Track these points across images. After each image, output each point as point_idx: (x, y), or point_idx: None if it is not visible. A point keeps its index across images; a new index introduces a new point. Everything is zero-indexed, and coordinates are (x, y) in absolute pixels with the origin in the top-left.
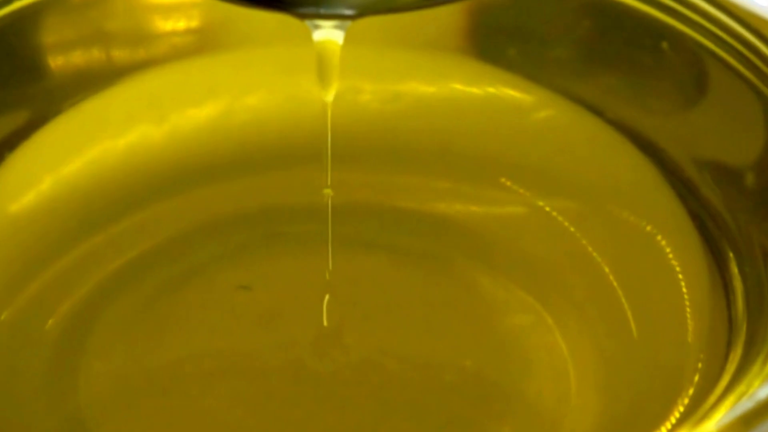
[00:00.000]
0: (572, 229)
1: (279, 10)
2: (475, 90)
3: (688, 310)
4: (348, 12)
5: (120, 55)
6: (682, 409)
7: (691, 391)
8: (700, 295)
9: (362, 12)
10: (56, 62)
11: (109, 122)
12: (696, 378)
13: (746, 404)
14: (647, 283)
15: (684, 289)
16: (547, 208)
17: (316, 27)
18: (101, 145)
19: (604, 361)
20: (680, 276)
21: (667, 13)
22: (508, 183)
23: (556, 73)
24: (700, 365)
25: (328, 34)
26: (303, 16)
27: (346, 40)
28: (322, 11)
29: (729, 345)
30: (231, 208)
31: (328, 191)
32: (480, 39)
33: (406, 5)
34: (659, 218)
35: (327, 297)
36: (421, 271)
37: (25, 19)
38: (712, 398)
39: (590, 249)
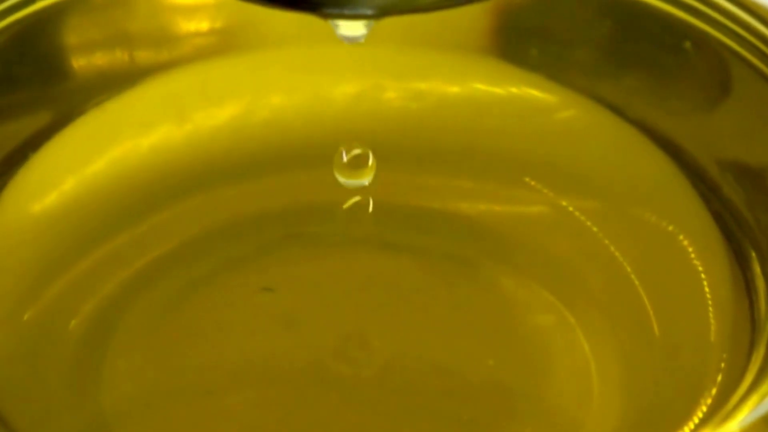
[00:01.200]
0: (595, 228)
1: (301, 10)
2: (497, 90)
3: (710, 309)
4: (370, 12)
5: (142, 55)
6: (704, 409)
7: (713, 391)
8: (723, 294)
9: (385, 12)
10: (79, 63)
11: (132, 122)
12: (719, 378)
13: None
14: (669, 283)
15: (706, 289)
16: (570, 208)
17: (339, 28)
18: (124, 145)
19: (626, 360)
20: (702, 276)
21: (689, 13)
22: (531, 183)
23: (579, 74)
24: (722, 365)
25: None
26: (326, 16)
27: (370, 39)
28: (346, 11)
29: (752, 344)
30: (253, 208)
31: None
32: (503, 39)
33: (429, 5)
34: (681, 218)
35: (349, 298)
36: (444, 270)
37: (47, 19)
38: (734, 398)
39: (612, 249)
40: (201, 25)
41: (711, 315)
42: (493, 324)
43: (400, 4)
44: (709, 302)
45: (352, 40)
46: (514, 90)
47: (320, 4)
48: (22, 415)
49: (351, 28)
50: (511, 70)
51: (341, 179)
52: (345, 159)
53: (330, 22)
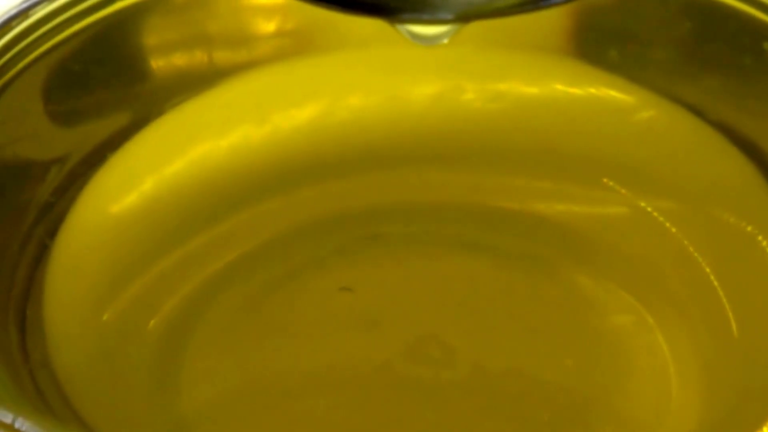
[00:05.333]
0: (674, 229)
1: (379, 16)
2: (576, 91)
3: None
4: (449, 16)
5: (221, 56)
6: None
7: None
8: None
9: (463, 17)
10: (158, 63)
11: (211, 123)
12: None
13: None
14: (748, 284)
15: None
16: (649, 209)
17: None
18: (203, 145)
19: (705, 361)
20: None
21: None
22: (610, 183)
23: (658, 74)
24: None
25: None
26: (404, 22)
27: (450, 39)
28: (424, 16)
29: None
30: (331, 209)
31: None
32: (582, 40)
33: (510, 9)
34: (760, 219)
35: (429, 298)
36: (522, 271)
37: (127, 20)
38: None
39: (691, 249)
40: (280, 25)
41: None
42: (572, 324)
43: (479, 8)
44: None
45: (430, 42)
46: (593, 91)
47: (398, 9)
48: (101, 415)
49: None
50: (590, 70)
51: (413, 29)
52: None
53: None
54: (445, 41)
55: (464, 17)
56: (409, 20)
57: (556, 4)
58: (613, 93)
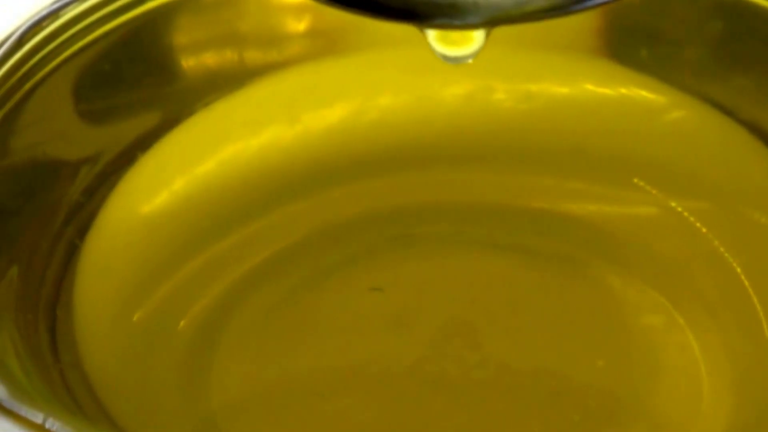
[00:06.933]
0: (704, 229)
1: (410, 22)
2: (607, 91)
3: None
4: (479, 21)
5: (252, 55)
6: None
7: None
8: None
9: (493, 22)
10: (188, 63)
11: (241, 123)
12: None
13: None
14: None
15: None
16: (679, 209)
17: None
18: (233, 145)
19: (736, 361)
20: None
21: None
22: (641, 183)
23: (688, 74)
24: None
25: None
26: (434, 27)
27: None
28: (456, 22)
29: None
30: (362, 209)
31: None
32: (612, 40)
33: (540, 15)
34: None
35: (459, 298)
36: (552, 271)
37: (157, 19)
38: None
39: (722, 249)
40: (311, 25)
41: None
42: (603, 324)
43: (509, 13)
44: None
45: (457, 62)
46: (623, 91)
47: (429, 15)
48: (131, 415)
49: (457, 49)
50: (621, 70)
51: (439, 49)
52: None
53: (434, 46)
54: (470, 61)
55: (493, 22)
56: (440, 25)
57: (585, 9)
58: (644, 93)
